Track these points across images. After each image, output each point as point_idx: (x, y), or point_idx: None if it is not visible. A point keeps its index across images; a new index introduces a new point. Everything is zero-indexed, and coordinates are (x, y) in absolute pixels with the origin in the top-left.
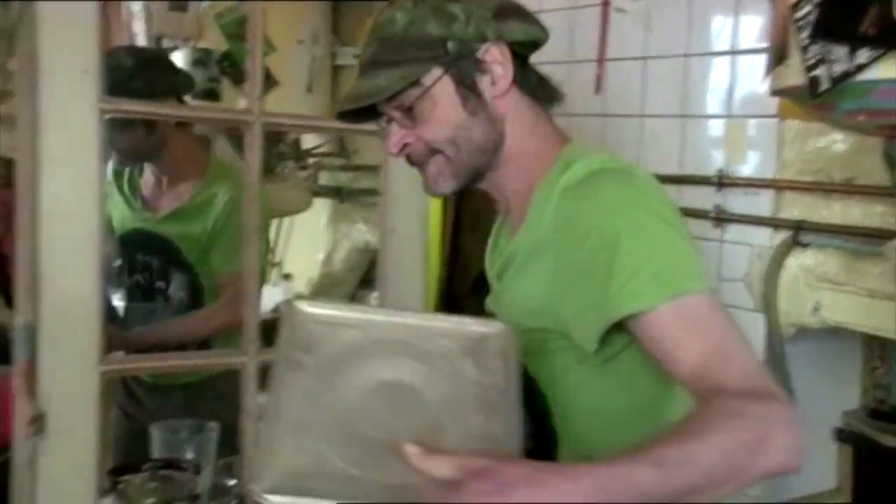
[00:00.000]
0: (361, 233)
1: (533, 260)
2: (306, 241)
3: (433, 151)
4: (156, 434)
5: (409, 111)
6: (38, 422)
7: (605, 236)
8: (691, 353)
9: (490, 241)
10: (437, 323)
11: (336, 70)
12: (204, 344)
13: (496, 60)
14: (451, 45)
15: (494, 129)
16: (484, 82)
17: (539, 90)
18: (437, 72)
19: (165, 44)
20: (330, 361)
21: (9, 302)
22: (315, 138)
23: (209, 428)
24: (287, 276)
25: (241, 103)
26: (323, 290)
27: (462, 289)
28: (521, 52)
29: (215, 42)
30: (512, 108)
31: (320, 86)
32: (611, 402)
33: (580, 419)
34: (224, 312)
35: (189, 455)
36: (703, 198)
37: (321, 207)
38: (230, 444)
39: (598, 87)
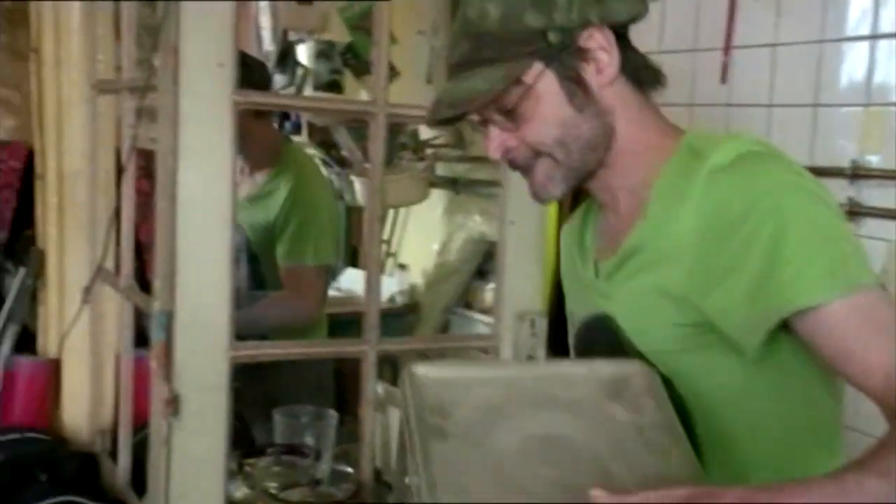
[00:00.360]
0: (477, 224)
1: (670, 252)
2: (422, 232)
3: (539, 154)
4: (278, 419)
5: (510, 112)
6: (173, 403)
7: (765, 222)
8: (880, 357)
9: (566, 241)
10: (568, 369)
11: None
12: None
13: (600, 46)
14: (552, 36)
15: (603, 123)
16: (589, 72)
17: (643, 74)
18: (538, 66)
19: (291, 37)
20: (471, 423)
21: (144, 287)
22: (432, 129)
23: (329, 415)
24: (402, 267)
25: (362, 94)
26: (437, 280)
27: None
28: (620, 32)
29: (338, 34)
30: (620, 97)
31: (440, 77)
32: (761, 404)
33: (726, 424)
34: (278, 306)
35: (309, 441)
36: (836, 190)
37: (437, 198)
38: None
39: (724, 76)
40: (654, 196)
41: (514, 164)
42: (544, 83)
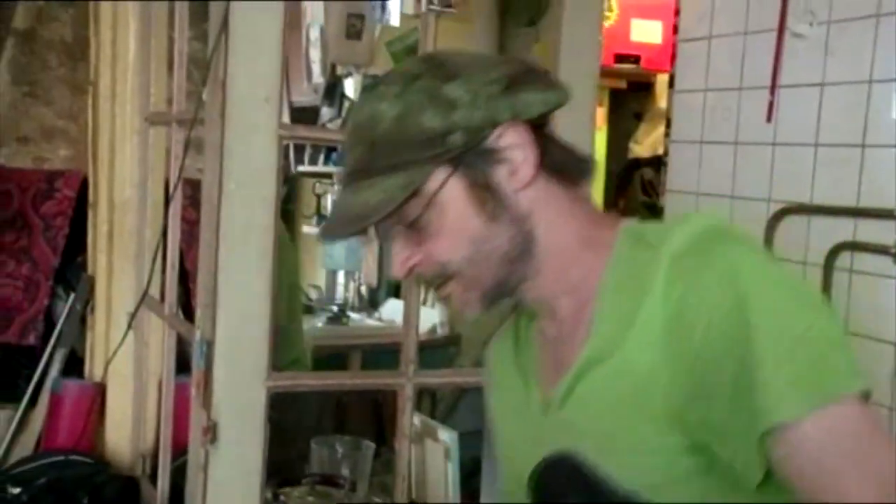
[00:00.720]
0: None
1: (638, 358)
2: None
3: (448, 274)
4: (314, 449)
5: (413, 225)
6: (211, 431)
7: (734, 319)
8: (860, 490)
9: (496, 363)
10: None
11: None
12: None
13: (513, 144)
14: (454, 139)
15: (521, 230)
16: (500, 174)
17: (569, 164)
18: (441, 173)
19: (339, 70)
20: None
21: (190, 313)
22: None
23: (365, 446)
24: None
25: None
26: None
27: None
28: (538, 123)
29: (385, 68)
30: (541, 197)
31: None
32: None
33: None
34: None
35: (345, 471)
36: (883, 232)
37: None
38: None
39: (770, 115)
40: (601, 297)
41: (423, 281)
42: (449, 191)
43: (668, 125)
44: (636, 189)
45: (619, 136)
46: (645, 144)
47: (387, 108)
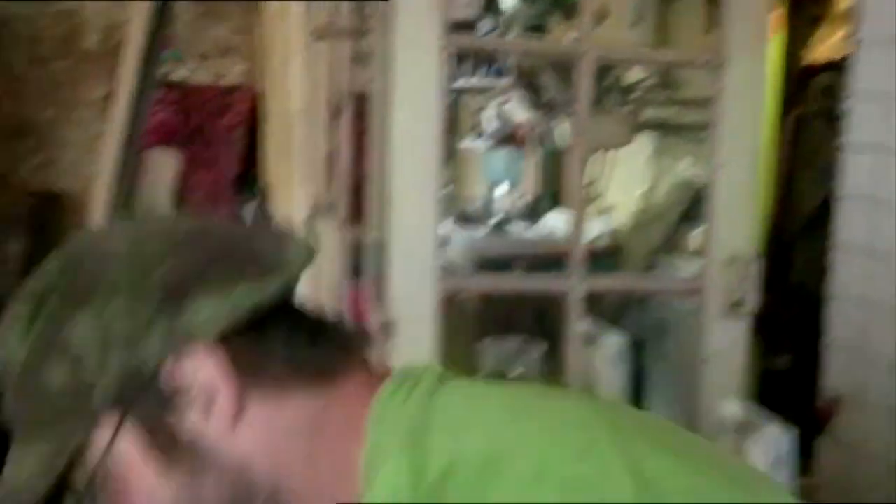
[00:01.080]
0: (685, 167)
1: None
2: (628, 175)
3: None
4: (487, 347)
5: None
6: (387, 328)
7: None
8: None
9: None
10: None
11: (664, 2)
12: None
13: (197, 377)
14: (100, 392)
15: (239, 484)
16: (190, 420)
17: (312, 360)
18: (105, 433)
19: None
20: None
21: (359, 221)
22: (640, 71)
23: (536, 346)
24: (607, 209)
25: (566, 38)
26: (643, 224)
27: (793, 228)
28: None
29: None
30: (267, 426)
31: (648, 19)
32: None
33: None
34: None
35: (516, 370)
36: None
37: (645, 141)
38: None
39: None
40: None
41: None
42: (122, 456)
43: (852, 24)
44: (813, 97)
45: (797, 42)
46: (822, 50)
47: (13, 350)
